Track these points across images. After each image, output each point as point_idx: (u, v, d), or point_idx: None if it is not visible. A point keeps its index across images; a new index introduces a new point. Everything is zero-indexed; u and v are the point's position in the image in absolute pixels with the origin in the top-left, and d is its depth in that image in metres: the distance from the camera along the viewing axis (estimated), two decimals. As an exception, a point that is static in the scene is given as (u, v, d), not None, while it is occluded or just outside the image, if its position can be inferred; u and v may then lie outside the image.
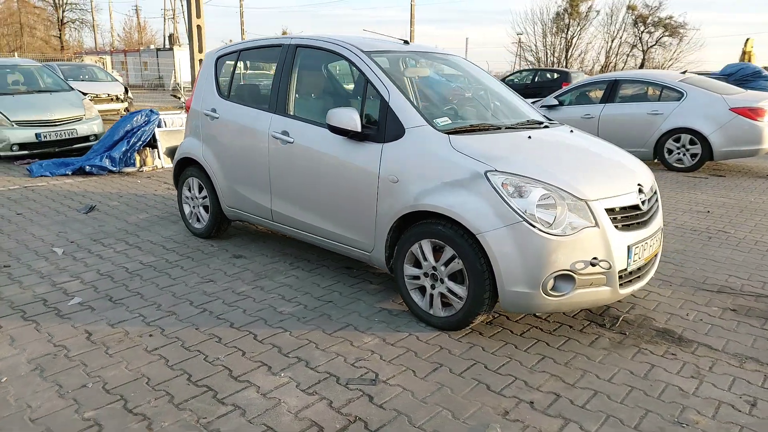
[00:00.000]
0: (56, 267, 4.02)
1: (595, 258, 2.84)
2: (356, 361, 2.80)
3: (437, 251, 3.10)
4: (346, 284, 3.79)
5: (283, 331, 3.11)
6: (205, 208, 4.62)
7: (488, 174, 2.89)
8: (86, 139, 8.71)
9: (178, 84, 36.80)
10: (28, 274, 3.87)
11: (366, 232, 3.41)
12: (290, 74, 3.91)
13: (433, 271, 3.11)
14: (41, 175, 7.22)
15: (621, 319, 3.35)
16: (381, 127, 3.30)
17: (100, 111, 14.99)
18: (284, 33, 67.77)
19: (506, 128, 3.52)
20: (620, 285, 3.01)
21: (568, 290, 2.87)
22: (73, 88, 9.61)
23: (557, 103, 9.66)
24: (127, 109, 15.27)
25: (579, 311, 3.43)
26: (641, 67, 37.15)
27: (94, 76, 15.37)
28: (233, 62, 4.42)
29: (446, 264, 3.04)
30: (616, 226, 2.93)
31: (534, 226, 2.77)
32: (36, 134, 8.13)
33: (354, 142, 3.38)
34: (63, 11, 60.58)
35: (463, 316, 3.04)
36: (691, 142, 8.05)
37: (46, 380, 2.59)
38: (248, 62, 4.33)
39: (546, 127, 3.72)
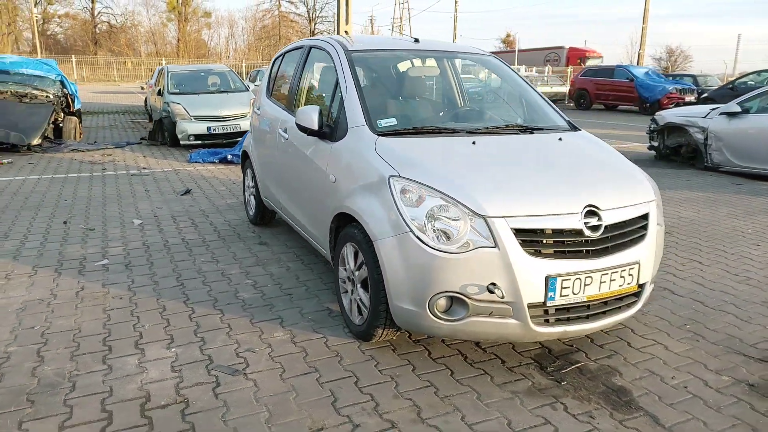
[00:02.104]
0: (122, 234, 4.82)
1: (493, 284, 2.46)
2: (244, 351, 2.88)
3: (357, 256, 2.99)
4: (324, 281, 3.83)
5: (219, 313, 3.32)
6: (255, 197, 5.04)
7: (390, 179, 2.69)
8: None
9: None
10: (96, 237, 4.73)
11: (323, 231, 3.43)
12: (301, 74, 4.09)
13: (352, 276, 3.01)
14: (196, 162, 8.55)
15: (576, 365, 2.81)
16: (334, 126, 3.28)
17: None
18: (507, 36, 67.38)
19: (464, 132, 3.18)
20: (539, 322, 2.54)
21: (461, 315, 2.54)
22: (248, 89, 11.07)
23: (740, 110, 8.11)
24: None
25: (536, 346, 2.97)
26: None
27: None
28: (279, 63, 4.75)
29: (359, 269, 2.92)
30: (529, 251, 2.48)
31: (420, 239, 2.51)
32: (207, 127, 9.61)
33: (318, 140, 3.42)
34: (314, 24, 69.21)
35: (365, 327, 2.88)
36: None
37: (17, 317, 3.20)
38: (286, 63, 4.60)
39: (530, 132, 3.26)
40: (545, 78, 28.02)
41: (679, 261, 4.41)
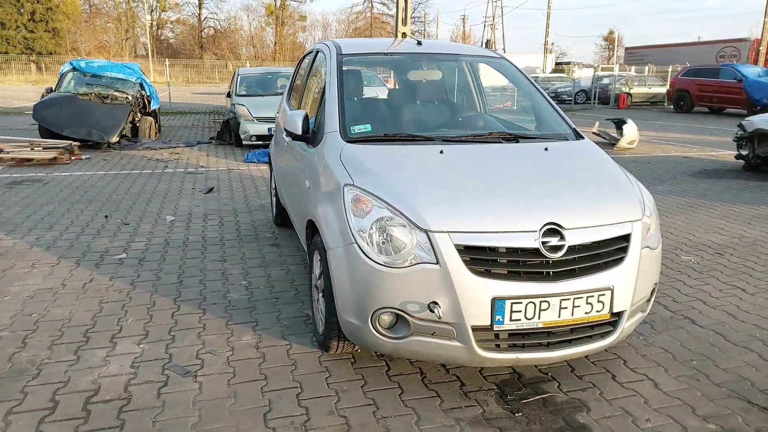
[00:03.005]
0: (151, 230, 5.07)
1: (434, 303, 2.31)
2: (206, 353, 2.91)
3: (322, 264, 2.92)
4: (316, 286, 3.80)
5: (201, 313, 3.38)
6: (275, 197, 5.12)
7: (345, 188, 2.61)
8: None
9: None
10: (127, 232, 5.00)
11: (303, 237, 3.40)
12: (308, 77, 4.09)
13: (317, 284, 2.96)
14: (251, 161, 8.85)
15: (541, 396, 2.58)
16: (316, 131, 3.25)
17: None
18: (611, 33, 64.01)
19: (440, 140, 3.02)
20: (488, 347, 2.36)
21: (403, 334, 2.41)
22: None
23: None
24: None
25: (506, 370, 2.77)
26: None
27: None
28: (297, 67, 4.78)
29: (320, 278, 2.86)
30: (475, 270, 2.30)
31: (363, 251, 2.41)
32: (268, 128, 9.91)
33: (303, 144, 3.40)
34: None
35: (323, 338, 2.82)
36: None
37: (22, 304, 3.44)
38: (302, 67, 4.62)
39: (516, 141, 3.04)
40: (644, 78, 26.31)
41: (717, 287, 3.95)
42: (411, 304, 2.33)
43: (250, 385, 2.63)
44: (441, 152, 2.82)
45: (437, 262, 2.30)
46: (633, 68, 27.73)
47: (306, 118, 3.26)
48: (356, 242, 2.43)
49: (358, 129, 3.02)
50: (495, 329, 2.33)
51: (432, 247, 2.32)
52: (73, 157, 8.81)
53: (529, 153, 2.94)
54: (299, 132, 3.24)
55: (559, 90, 27.97)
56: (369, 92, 3.64)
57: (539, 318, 2.35)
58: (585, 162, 2.94)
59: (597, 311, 2.43)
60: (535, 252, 2.34)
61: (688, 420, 2.42)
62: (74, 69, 10.65)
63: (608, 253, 2.47)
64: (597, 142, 11.86)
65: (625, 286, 2.47)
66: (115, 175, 7.66)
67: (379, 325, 2.43)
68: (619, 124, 11.46)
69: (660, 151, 10.94)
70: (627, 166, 8.92)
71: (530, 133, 3.25)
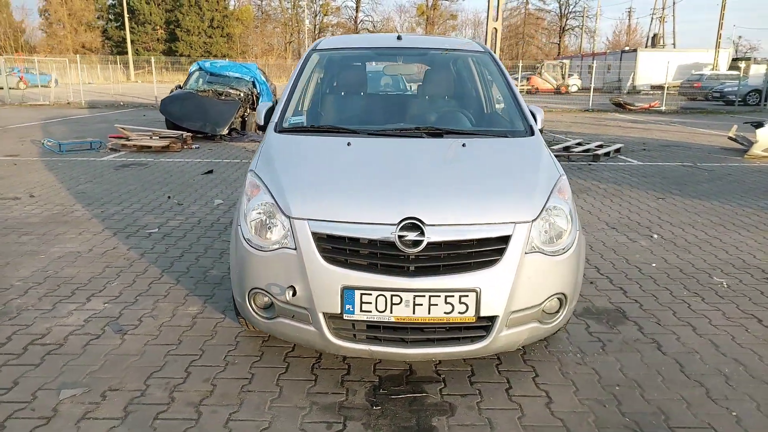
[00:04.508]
0: (195, 211, 5.65)
1: (291, 287, 2.39)
2: (149, 316, 3.26)
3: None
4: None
5: (174, 283, 3.76)
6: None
7: (248, 173, 2.78)
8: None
9: (634, 86, 35.93)
10: (174, 211, 5.63)
11: None
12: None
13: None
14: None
15: (416, 395, 2.53)
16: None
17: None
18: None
19: (364, 133, 3.04)
20: (344, 336, 2.38)
21: (271, 315, 2.53)
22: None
23: None
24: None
25: (403, 365, 2.74)
26: None
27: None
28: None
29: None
30: (329, 258, 2.34)
31: (242, 233, 2.57)
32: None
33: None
34: (566, 20, 66.35)
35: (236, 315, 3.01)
36: None
37: (48, 262, 4.10)
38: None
39: (439, 136, 2.96)
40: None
41: (728, 314, 3.44)
42: (274, 287, 2.44)
43: (161, 347, 2.91)
44: (348, 144, 2.86)
45: (295, 248, 2.38)
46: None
47: (270, 110, 3.47)
48: (240, 224, 2.59)
49: (294, 120, 3.17)
50: (346, 318, 2.34)
51: (293, 233, 2.40)
52: (185, 146, 9.97)
53: (441, 149, 2.85)
54: (261, 123, 3.46)
55: (725, 90, 24.94)
56: (328, 86, 3.72)
57: (391, 312, 2.31)
58: (503, 160, 2.78)
59: (460, 313, 2.32)
60: (392, 245, 2.31)
61: (550, 442, 2.22)
62: (200, 69, 11.99)
63: (479, 253, 2.35)
64: (733, 149, 10.53)
65: (495, 290, 2.33)
66: (207, 163, 8.55)
67: (255, 304, 2.56)
68: (758, 126, 10.04)
69: (798, 161, 9.41)
70: (747, 177, 7.86)
71: (469, 129, 3.12)
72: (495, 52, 10.06)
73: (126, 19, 46.93)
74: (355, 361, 2.79)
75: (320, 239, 2.36)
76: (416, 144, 2.92)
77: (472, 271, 2.32)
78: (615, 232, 5.18)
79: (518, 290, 2.37)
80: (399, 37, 3.84)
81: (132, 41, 48.47)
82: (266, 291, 2.47)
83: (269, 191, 2.56)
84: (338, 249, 2.35)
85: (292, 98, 3.30)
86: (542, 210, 2.47)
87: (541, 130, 3.36)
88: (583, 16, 62.35)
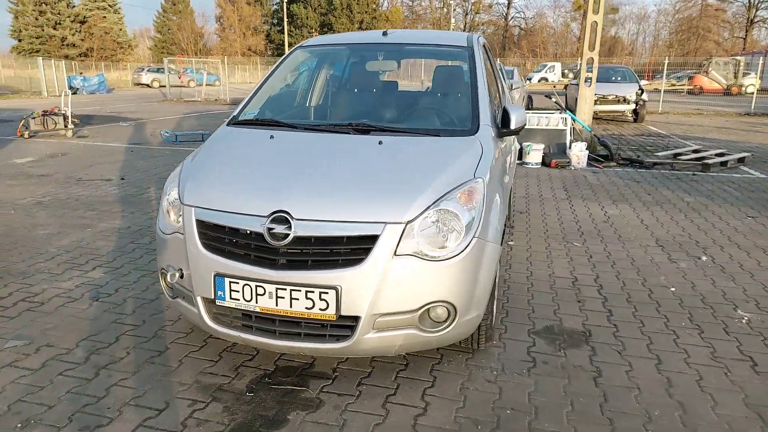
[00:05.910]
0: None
1: (180, 269, 2.56)
2: (131, 289, 3.63)
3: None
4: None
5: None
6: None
7: (183, 163, 2.99)
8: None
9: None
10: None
11: None
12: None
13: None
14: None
15: (292, 387, 2.56)
16: None
17: (602, 111, 15.93)
18: None
19: (302, 128, 3.09)
20: (222, 321, 2.50)
21: (173, 294, 2.72)
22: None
23: None
24: (636, 111, 15.35)
25: (309, 359, 2.78)
26: None
27: (620, 77, 16.14)
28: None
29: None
30: (207, 245, 2.46)
31: (158, 217, 2.79)
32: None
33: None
34: (756, 10, 57.21)
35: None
36: None
37: (90, 235, 4.72)
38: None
39: (366, 133, 2.90)
40: None
41: (723, 352, 2.94)
42: (170, 268, 2.61)
43: (112, 315, 3.25)
44: (271, 137, 2.94)
45: (183, 233, 2.54)
46: None
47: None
48: (161, 208, 2.82)
49: (248, 113, 3.32)
50: (218, 304, 2.45)
51: (183, 218, 2.56)
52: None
53: (356, 146, 2.80)
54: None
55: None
56: (301, 82, 3.80)
57: (256, 302, 2.37)
58: (410, 160, 2.66)
59: (321, 309, 2.31)
60: (260, 237, 2.37)
61: None
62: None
63: (343, 251, 2.31)
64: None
65: (358, 289, 2.27)
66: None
67: (165, 282, 2.77)
68: None
69: None
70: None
71: (402, 128, 3.01)
72: (595, 48, 9.26)
73: (285, 24, 50.86)
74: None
75: (202, 226, 2.49)
76: (337, 140, 2.91)
77: (336, 269, 2.29)
78: (659, 250, 4.61)
79: (385, 292, 2.29)
80: (384, 33, 3.81)
81: (290, 44, 52.43)
82: (165, 270, 2.65)
83: (179, 178, 2.75)
84: (215, 237, 2.46)
85: (259, 92, 3.47)
86: (424, 211, 2.35)
87: (516, 131, 3.16)
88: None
